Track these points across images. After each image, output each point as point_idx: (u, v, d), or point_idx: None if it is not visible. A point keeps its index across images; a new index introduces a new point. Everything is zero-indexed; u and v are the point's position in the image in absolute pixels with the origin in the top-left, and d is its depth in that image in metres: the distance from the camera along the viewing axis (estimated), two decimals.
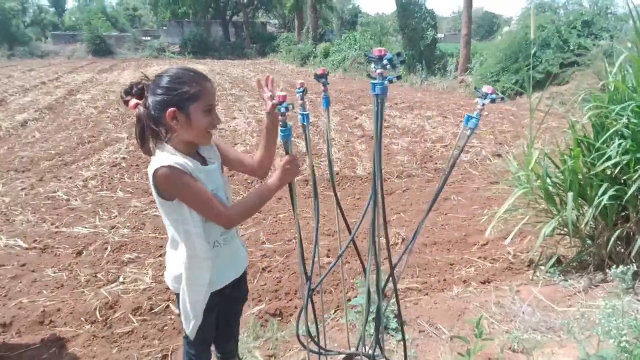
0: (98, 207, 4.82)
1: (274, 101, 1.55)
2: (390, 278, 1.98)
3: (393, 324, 2.64)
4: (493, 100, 1.78)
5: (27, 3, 46.00)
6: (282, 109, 1.53)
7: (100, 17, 48.74)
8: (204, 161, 1.63)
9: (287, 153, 1.62)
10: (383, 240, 1.75)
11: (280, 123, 1.57)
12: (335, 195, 2.01)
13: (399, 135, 8.32)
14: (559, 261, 3.30)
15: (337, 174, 5.97)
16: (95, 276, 3.39)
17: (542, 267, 3.29)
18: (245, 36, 37.07)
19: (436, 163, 6.59)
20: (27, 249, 3.85)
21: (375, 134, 1.76)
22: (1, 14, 34.11)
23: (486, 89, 1.76)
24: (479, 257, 3.72)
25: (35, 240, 3.99)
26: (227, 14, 39.65)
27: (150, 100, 1.50)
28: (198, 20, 37.90)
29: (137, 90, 1.54)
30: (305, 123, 1.82)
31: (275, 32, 39.91)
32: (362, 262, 2.11)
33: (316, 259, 1.93)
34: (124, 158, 6.69)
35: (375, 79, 1.72)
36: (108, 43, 35.09)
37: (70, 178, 5.75)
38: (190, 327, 1.67)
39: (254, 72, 21.58)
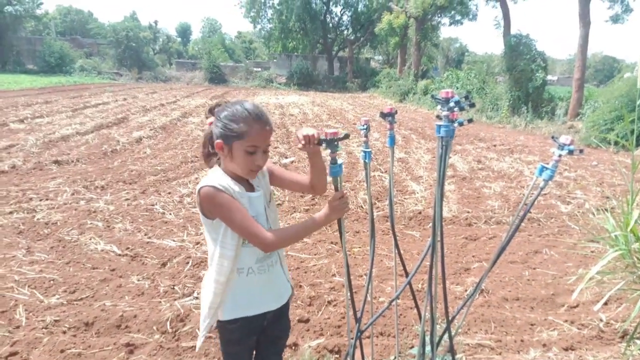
0: (188, 222, 5.14)
1: (301, 144, 1.53)
2: (447, 333, 1.88)
3: None
4: (571, 152, 1.64)
5: (158, 33, 51.55)
6: (323, 144, 1.56)
7: (219, 48, 53.16)
8: (250, 188, 1.70)
9: (336, 190, 1.63)
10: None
11: (330, 159, 1.59)
12: (395, 237, 1.96)
13: (493, 179, 7.93)
14: None
15: (420, 213, 5.81)
16: (173, 288, 3.59)
17: (638, 342, 2.90)
18: (348, 70, 38.12)
19: (531, 212, 6.16)
20: (119, 255, 4.20)
21: (438, 177, 1.70)
22: (135, 42, 38.71)
23: (564, 139, 1.63)
24: (565, 320, 3.37)
25: (128, 248, 4.34)
26: (333, 49, 41.17)
27: (213, 125, 1.63)
28: (306, 54, 39.81)
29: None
30: (367, 160, 1.82)
31: (378, 68, 40.58)
32: (418, 311, 2.01)
33: (368, 298, 1.88)
34: None
35: (441, 120, 1.68)
36: (223, 72, 38.06)
37: (169, 193, 6.21)
38: (198, 342, 1.81)
39: (352, 105, 22.01)
